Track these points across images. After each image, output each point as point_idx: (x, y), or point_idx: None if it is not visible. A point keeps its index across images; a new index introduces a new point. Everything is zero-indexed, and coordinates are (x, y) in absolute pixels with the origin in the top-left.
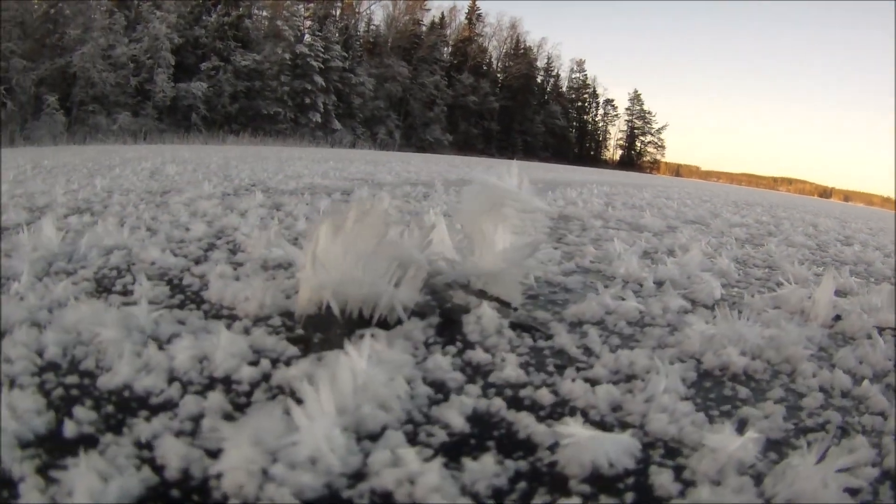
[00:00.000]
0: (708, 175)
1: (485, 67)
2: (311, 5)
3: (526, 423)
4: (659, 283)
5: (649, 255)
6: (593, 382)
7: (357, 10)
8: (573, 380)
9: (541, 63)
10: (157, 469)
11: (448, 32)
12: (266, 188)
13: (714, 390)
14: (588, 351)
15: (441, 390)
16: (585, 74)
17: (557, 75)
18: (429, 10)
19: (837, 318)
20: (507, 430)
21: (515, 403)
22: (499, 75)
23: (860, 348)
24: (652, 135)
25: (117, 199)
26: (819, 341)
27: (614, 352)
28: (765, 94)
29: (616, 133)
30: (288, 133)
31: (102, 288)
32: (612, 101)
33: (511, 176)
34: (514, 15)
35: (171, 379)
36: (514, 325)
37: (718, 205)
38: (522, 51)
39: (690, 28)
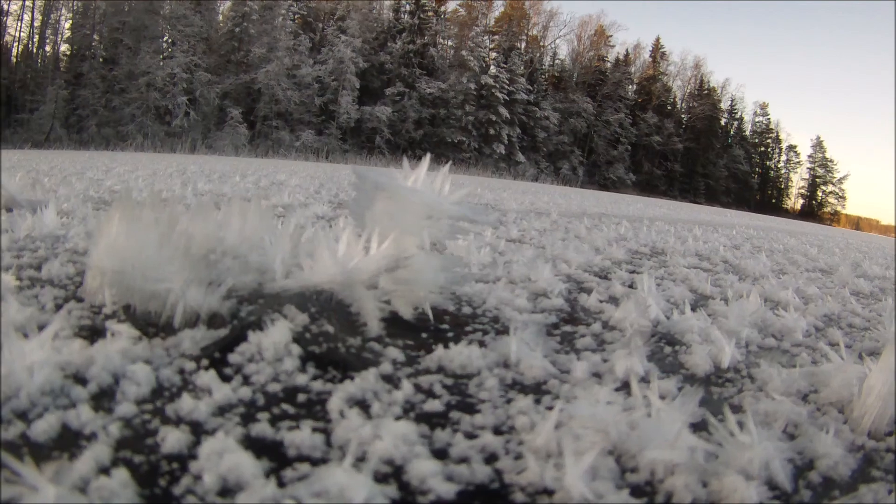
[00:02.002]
0: (886, 230)
1: (669, 107)
2: (497, 37)
3: None
4: (653, 335)
5: (692, 298)
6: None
7: (542, 43)
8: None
9: (724, 105)
10: None
11: (633, 70)
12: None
13: None
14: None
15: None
16: (769, 118)
17: (741, 118)
18: (613, 46)
19: None
20: None
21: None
22: (682, 116)
23: None
24: (833, 184)
25: None
26: (862, 468)
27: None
28: None
29: (797, 181)
30: (472, 162)
31: None
32: (795, 147)
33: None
34: (698, 54)
35: None
36: (311, 357)
37: (873, 256)
38: (706, 91)
39: (879, 77)
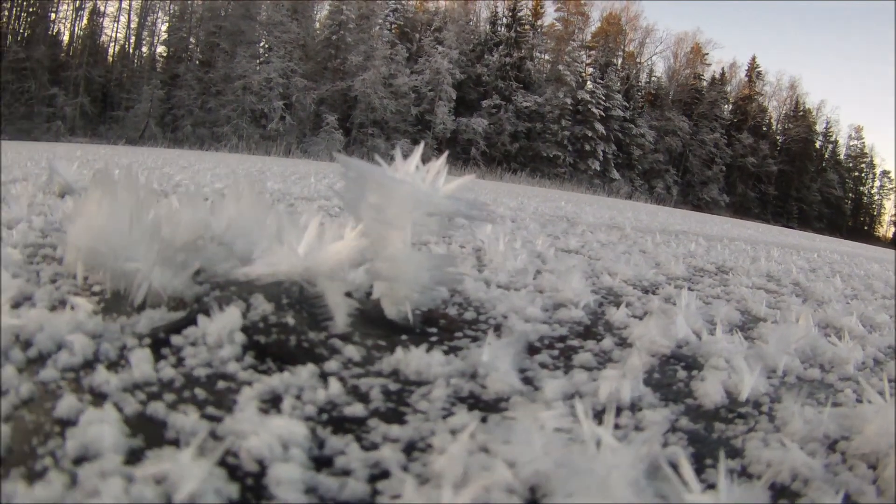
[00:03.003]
0: None
1: (764, 128)
2: (593, 52)
3: None
4: (672, 356)
5: (740, 319)
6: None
7: (638, 59)
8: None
9: (819, 127)
10: None
11: (728, 89)
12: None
13: None
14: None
15: None
16: (863, 142)
17: (836, 141)
18: (709, 64)
19: None
20: None
21: None
22: (777, 137)
23: None
24: None
25: None
26: None
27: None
28: None
29: (890, 208)
30: (566, 177)
31: None
32: (889, 172)
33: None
34: (794, 74)
35: None
36: (255, 347)
37: None
38: (801, 113)
39: None
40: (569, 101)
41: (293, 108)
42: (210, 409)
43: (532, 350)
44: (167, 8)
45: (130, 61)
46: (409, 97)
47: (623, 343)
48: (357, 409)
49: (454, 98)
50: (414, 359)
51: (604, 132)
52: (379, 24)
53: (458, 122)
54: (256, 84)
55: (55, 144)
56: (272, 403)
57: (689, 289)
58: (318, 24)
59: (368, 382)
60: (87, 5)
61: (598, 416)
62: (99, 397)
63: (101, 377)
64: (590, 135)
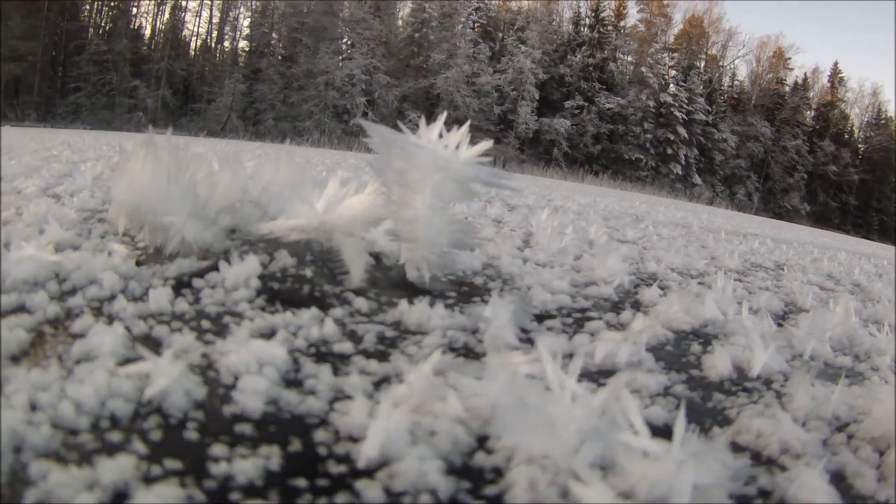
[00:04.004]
0: None
1: (846, 136)
2: (676, 55)
3: None
4: (692, 331)
5: (781, 308)
6: None
7: (721, 63)
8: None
9: None
10: None
11: (811, 95)
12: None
13: None
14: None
15: None
16: None
17: None
18: (792, 69)
19: None
20: None
21: None
22: (859, 146)
23: None
24: None
25: None
26: None
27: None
28: None
29: None
30: (648, 181)
31: None
32: None
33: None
34: (876, 81)
35: None
36: (268, 292)
37: None
38: (884, 121)
39: None
40: (651, 103)
41: (376, 104)
42: (208, 336)
43: (546, 317)
44: (249, 4)
45: (212, 55)
46: (492, 96)
47: (647, 316)
48: (345, 347)
49: (537, 98)
50: (416, 311)
51: (686, 136)
52: (462, 23)
53: (541, 122)
54: (339, 80)
55: (135, 134)
56: (262, 336)
57: (739, 280)
58: (400, 22)
59: (366, 328)
60: (169, 0)
61: (590, 375)
62: (113, 319)
63: (120, 305)
64: (672, 138)
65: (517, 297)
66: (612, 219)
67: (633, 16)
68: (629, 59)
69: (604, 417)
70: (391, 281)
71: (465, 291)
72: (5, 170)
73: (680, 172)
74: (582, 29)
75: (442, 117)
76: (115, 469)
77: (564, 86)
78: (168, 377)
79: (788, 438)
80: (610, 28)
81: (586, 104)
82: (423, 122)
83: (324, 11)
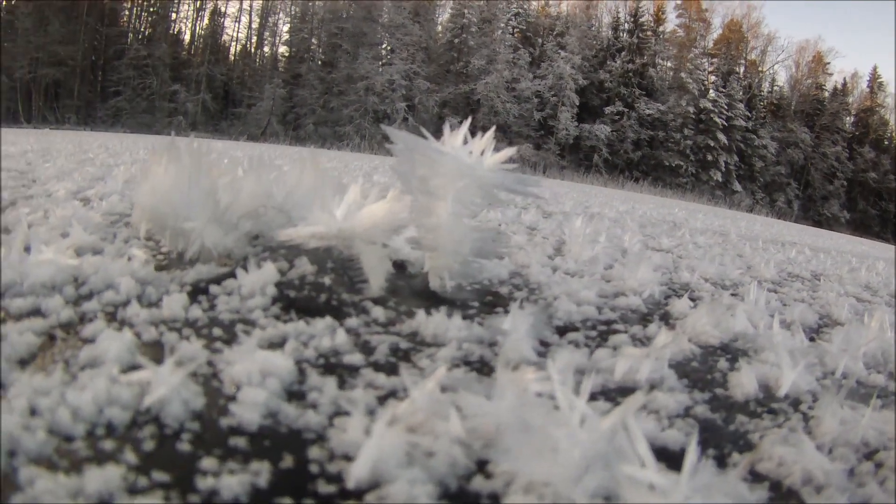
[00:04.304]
0: None
1: (886, 142)
2: (715, 60)
3: None
4: (719, 346)
5: (814, 321)
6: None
7: (760, 68)
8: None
9: None
10: None
11: (850, 100)
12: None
13: None
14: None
15: None
16: None
17: None
18: (831, 74)
19: None
20: None
21: None
22: None
23: None
24: None
25: None
26: None
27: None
28: None
29: None
30: (688, 188)
31: None
32: None
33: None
34: None
35: None
36: (284, 300)
37: None
38: None
39: None
40: (691, 109)
41: (416, 109)
42: (217, 344)
43: (569, 329)
44: (288, 9)
45: (252, 60)
46: (532, 102)
47: (673, 330)
48: (355, 359)
49: (577, 104)
50: (433, 322)
51: (726, 142)
52: (501, 28)
53: (581, 128)
54: (379, 85)
55: (175, 138)
56: (276, 345)
57: (774, 291)
58: (439, 27)
59: (380, 339)
60: (208, 6)
61: (607, 393)
62: (124, 325)
63: (133, 311)
64: (712, 144)
65: (538, 308)
66: (648, 226)
67: (671, 20)
68: (668, 64)
69: (612, 443)
70: (413, 290)
71: (488, 301)
72: (39, 172)
73: (720, 179)
74: (621, 34)
75: (466, 123)
76: (102, 479)
77: (604, 91)
78: (167, 386)
79: (812, 468)
80: (649, 33)
81: (626, 110)
82: (447, 127)
83: (363, 17)
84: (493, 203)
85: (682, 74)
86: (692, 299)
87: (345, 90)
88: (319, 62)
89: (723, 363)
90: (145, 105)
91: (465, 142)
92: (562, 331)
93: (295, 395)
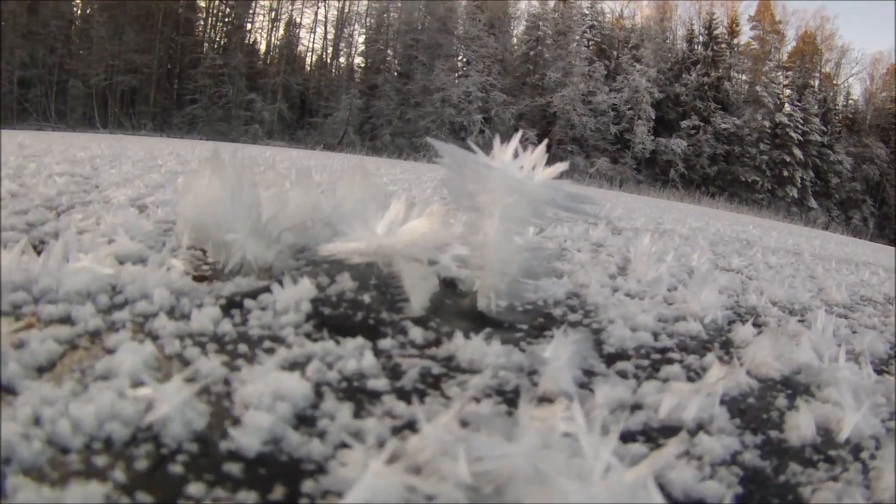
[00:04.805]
0: None
1: None
2: (790, 73)
3: None
4: (780, 380)
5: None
6: None
7: (834, 81)
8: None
9: None
10: None
11: None
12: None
13: None
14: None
15: None
16: None
17: None
18: None
19: None
20: None
21: None
22: None
23: None
24: None
25: None
26: None
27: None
28: None
29: None
30: (763, 204)
31: None
32: None
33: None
34: None
35: None
36: (318, 317)
37: None
38: None
39: None
40: (767, 123)
41: (492, 121)
42: (238, 361)
43: (620, 357)
44: (363, 21)
45: (328, 71)
46: (608, 115)
47: (730, 362)
48: (380, 384)
49: (653, 117)
50: (470, 347)
51: (801, 158)
52: (576, 41)
53: (657, 142)
54: (455, 97)
55: (250, 146)
56: (299, 365)
57: (844, 316)
58: (515, 40)
59: (412, 363)
60: (283, 16)
61: (648, 433)
62: (150, 336)
63: (161, 323)
64: (787, 160)
65: (584, 334)
66: (720, 244)
67: (745, 33)
68: (743, 77)
69: (634, 498)
70: (459, 310)
71: (538, 324)
72: (103, 178)
73: (796, 195)
74: (696, 47)
75: (517, 136)
76: (83, 495)
77: (680, 105)
78: (170, 403)
79: None
80: (723, 46)
81: (702, 124)
82: (497, 141)
83: (438, 29)
84: (542, 220)
85: (758, 88)
86: (756, 325)
87: (421, 101)
88: (395, 73)
89: (781, 400)
90: (221, 113)
91: (516, 156)
92: (611, 359)
93: (305, 420)
